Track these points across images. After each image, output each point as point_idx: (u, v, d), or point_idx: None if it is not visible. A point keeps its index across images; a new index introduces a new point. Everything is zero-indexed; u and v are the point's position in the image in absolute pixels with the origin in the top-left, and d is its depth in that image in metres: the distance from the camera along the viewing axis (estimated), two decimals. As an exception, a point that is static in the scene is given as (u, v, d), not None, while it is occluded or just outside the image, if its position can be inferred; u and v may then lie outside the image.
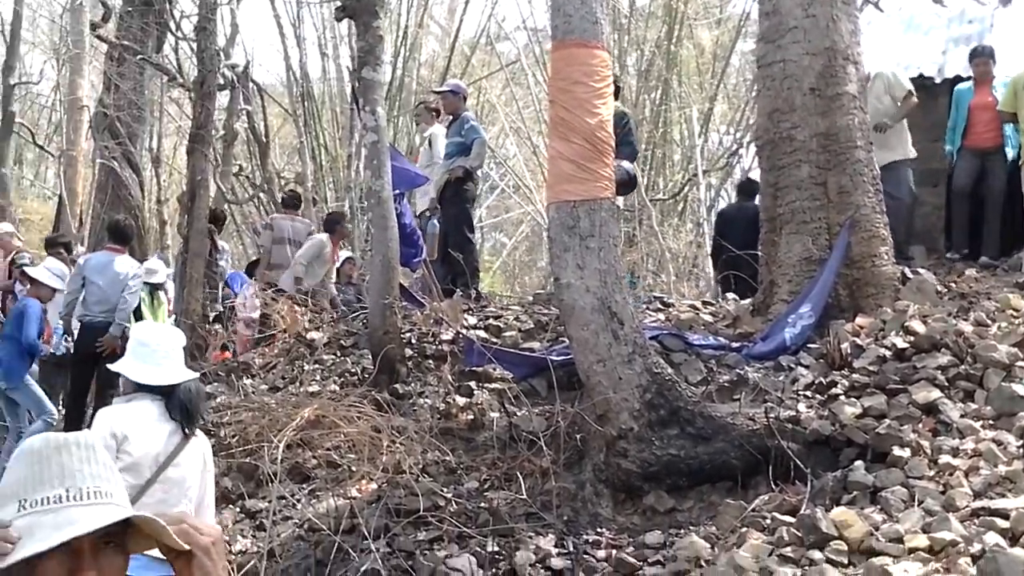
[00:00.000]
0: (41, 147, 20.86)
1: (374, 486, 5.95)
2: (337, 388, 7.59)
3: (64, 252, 8.92)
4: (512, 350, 7.32)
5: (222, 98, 13.80)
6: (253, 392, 8.02)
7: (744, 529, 4.74)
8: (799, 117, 7.02)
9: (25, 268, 8.82)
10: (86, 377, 8.72)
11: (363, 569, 5.02)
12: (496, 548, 5.03)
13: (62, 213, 15.01)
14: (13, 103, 18.41)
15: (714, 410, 5.57)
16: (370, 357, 7.74)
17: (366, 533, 5.13)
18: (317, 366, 8.39)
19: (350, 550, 5.12)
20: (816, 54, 7.01)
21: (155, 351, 3.91)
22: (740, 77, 22.14)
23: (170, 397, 3.90)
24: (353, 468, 6.21)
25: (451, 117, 9.89)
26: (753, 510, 4.93)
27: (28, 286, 8.69)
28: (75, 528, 1.52)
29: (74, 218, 15.17)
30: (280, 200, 12.59)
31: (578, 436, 5.79)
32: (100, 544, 1.57)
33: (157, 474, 3.75)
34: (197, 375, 4.09)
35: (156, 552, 1.68)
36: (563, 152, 5.70)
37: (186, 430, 3.89)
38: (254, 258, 10.93)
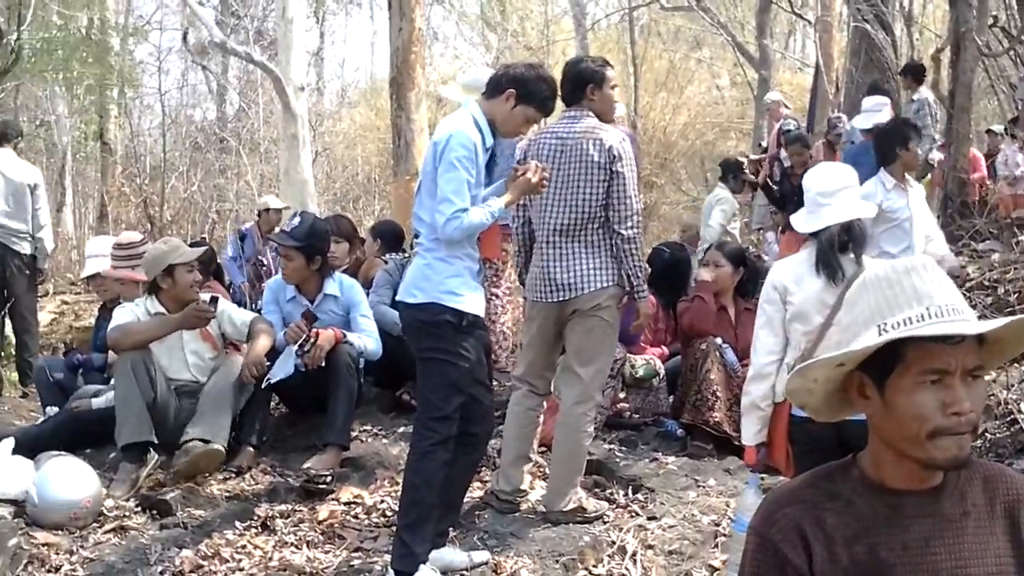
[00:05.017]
0: (798, 15, 21.59)
1: None
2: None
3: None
4: None
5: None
6: (1025, 252, 7.87)
7: None
8: None
9: None
10: None
11: None
12: None
13: (818, 81, 15.41)
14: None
15: None
16: None
17: None
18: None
19: None
20: None
21: (815, 196, 3.69)
22: None
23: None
24: None
25: None
26: None
27: None
28: (945, 327, 1.53)
29: (830, 84, 15.56)
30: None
31: None
32: (967, 376, 1.55)
33: (830, 317, 3.42)
34: (859, 215, 3.63)
35: None
36: None
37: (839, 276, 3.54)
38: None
